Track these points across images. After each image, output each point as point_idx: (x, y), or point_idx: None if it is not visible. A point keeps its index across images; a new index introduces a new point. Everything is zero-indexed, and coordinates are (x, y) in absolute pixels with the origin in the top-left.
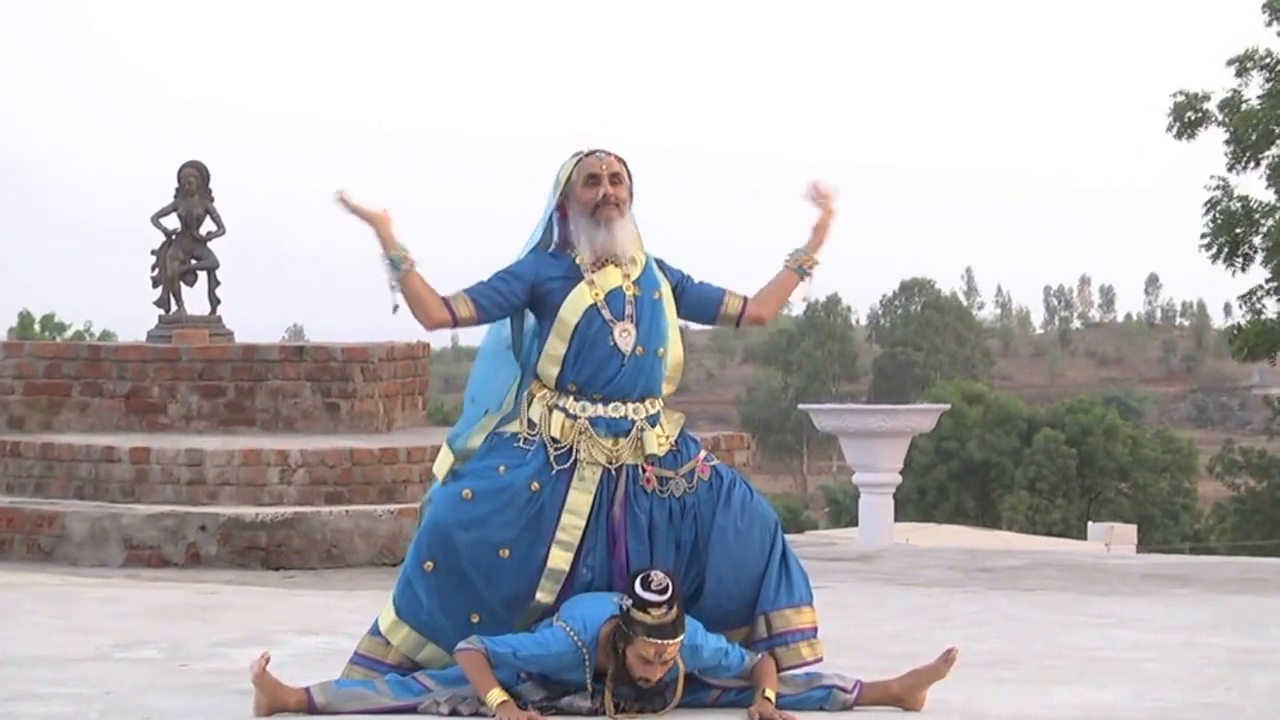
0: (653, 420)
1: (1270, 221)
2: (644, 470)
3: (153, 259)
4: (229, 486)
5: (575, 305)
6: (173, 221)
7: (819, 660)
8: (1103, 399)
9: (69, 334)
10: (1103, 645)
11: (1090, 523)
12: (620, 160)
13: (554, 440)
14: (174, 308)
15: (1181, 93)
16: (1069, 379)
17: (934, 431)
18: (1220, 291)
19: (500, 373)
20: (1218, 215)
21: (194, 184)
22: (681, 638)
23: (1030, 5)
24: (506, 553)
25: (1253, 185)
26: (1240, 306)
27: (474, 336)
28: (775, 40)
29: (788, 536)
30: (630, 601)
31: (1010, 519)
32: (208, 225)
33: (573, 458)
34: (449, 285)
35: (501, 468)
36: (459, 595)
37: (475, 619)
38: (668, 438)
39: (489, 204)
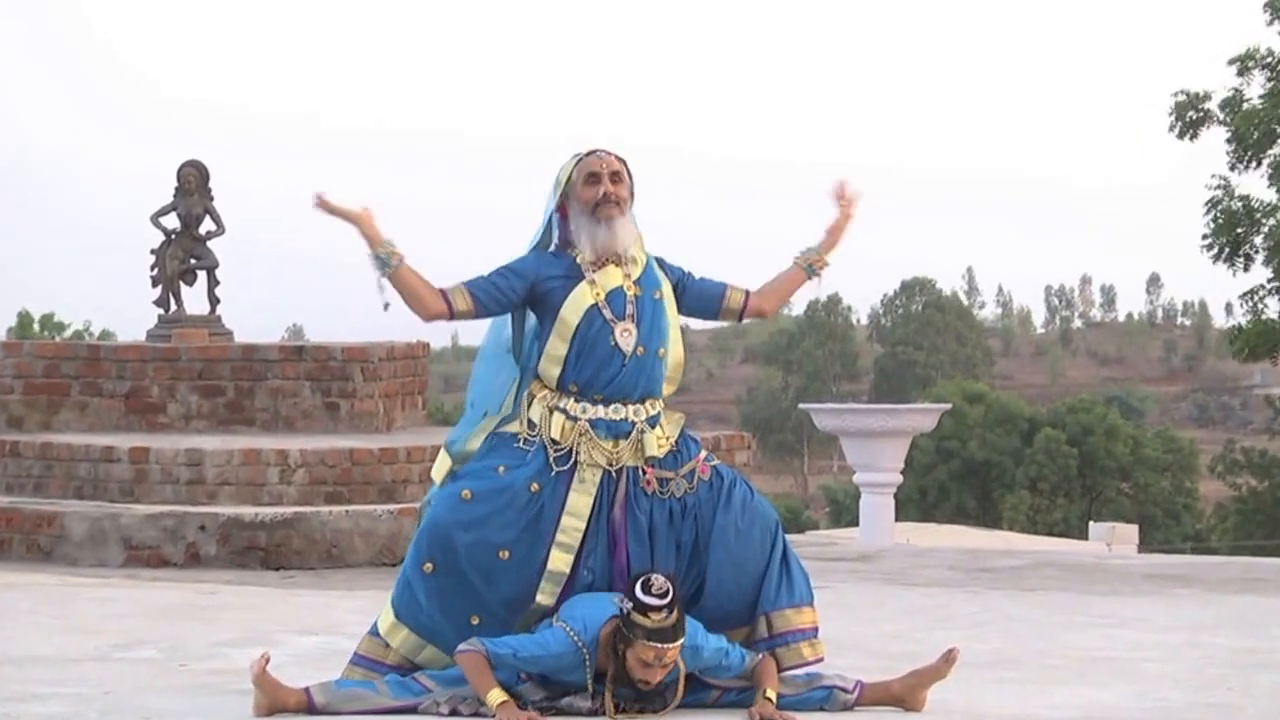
0: (653, 422)
1: (1272, 221)
2: (644, 472)
3: (152, 258)
4: (228, 486)
5: (576, 305)
6: (172, 221)
7: (820, 660)
8: (1104, 399)
9: (68, 333)
10: (1104, 645)
11: (1091, 523)
12: (620, 160)
13: (554, 442)
14: (173, 307)
15: (1183, 92)
16: (1070, 379)
17: (935, 431)
18: (1221, 291)
19: (500, 374)
20: (1219, 215)
21: (193, 183)
22: (681, 641)
23: (1032, 4)
24: (506, 554)
25: (1254, 185)
26: (1241, 306)
27: (474, 336)
28: (775, 39)
29: (788, 536)
30: (630, 605)
31: (1011, 519)
32: (207, 224)
33: (573, 459)
34: (448, 285)
35: (501, 468)
36: (458, 597)
37: (475, 621)
38: (668, 439)
39: (489, 204)
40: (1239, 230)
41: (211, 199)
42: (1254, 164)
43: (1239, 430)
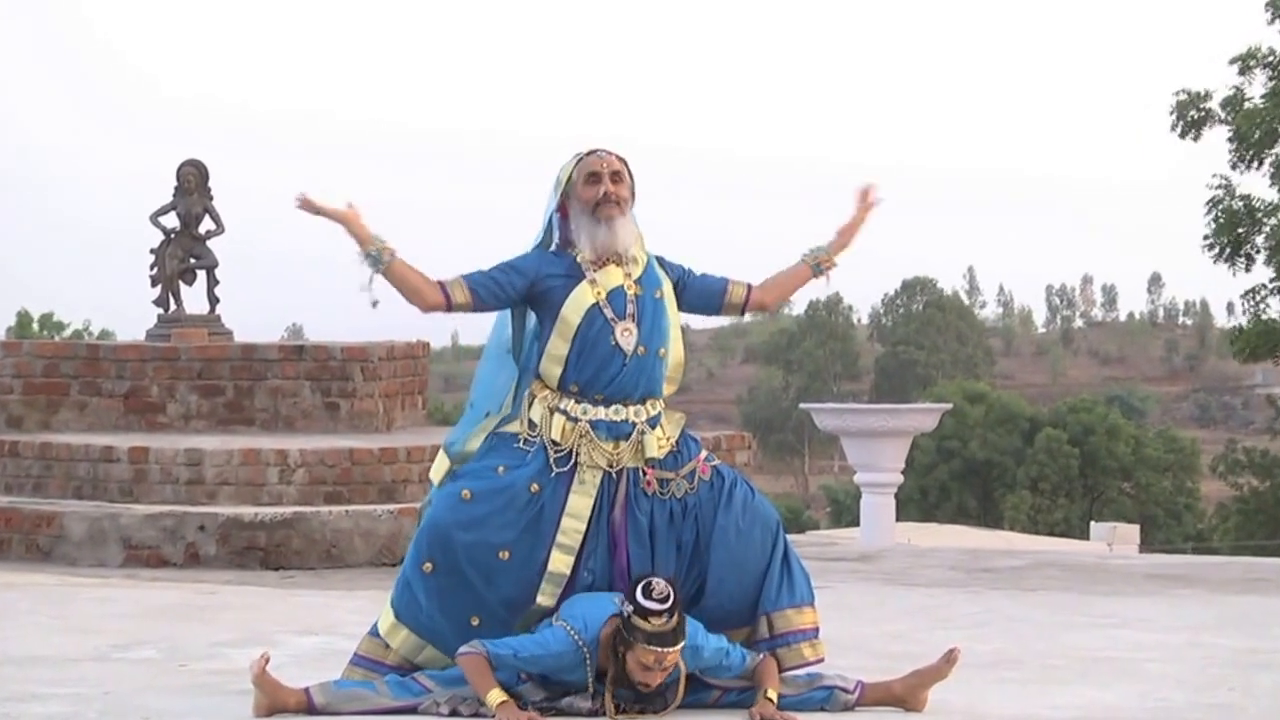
0: (653, 422)
1: (1273, 221)
2: (644, 473)
3: (151, 258)
4: (228, 486)
5: (577, 305)
6: (171, 220)
7: (820, 661)
8: (1105, 398)
9: (67, 333)
10: (1105, 645)
11: (1093, 522)
12: (621, 159)
13: (554, 443)
14: (173, 307)
15: (1184, 91)
16: (1071, 378)
17: (936, 431)
18: (1223, 290)
19: (500, 374)
20: (1220, 215)
21: (193, 182)
22: (682, 645)
23: (1032, 4)
24: (506, 554)
25: (1256, 184)
26: (1242, 305)
27: (475, 336)
28: (776, 38)
29: (789, 536)
30: (631, 608)
31: (1012, 519)
32: (206, 224)
33: (573, 460)
34: (447, 277)
35: (501, 468)
36: (458, 597)
37: (475, 621)
38: (668, 439)
39: (489, 204)
40: (1240, 230)
41: (211, 198)
42: (1255, 163)
43: (1240, 430)
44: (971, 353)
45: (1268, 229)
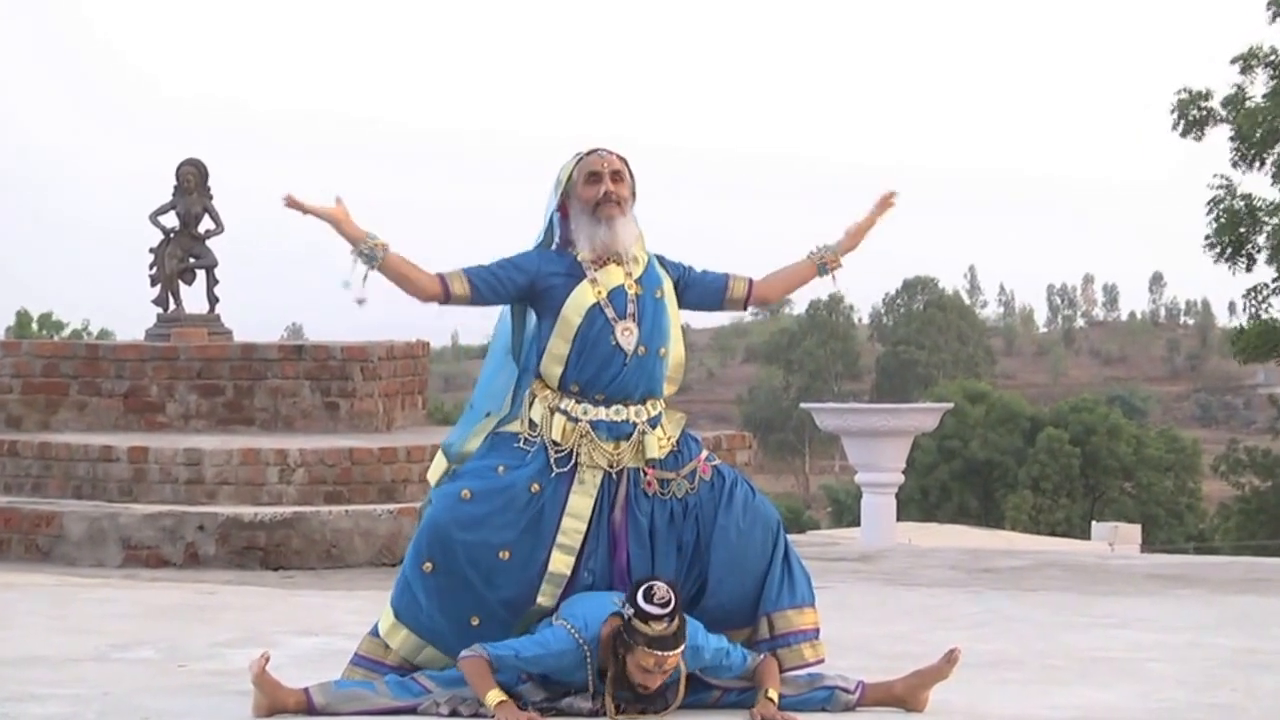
0: (654, 422)
1: (1275, 220)
2: (645, 474)
3: (151, 257)
4: (227, 486)
5: (578, 304)
6: (171, 219)
7: (821, 662)
8: (1106, 398)
9: (67, 332)
10: (1106, 646)
11: (1094, 522)
12: (622, 159)
13: (555, 443)
14: (172, 306)
15: (1185, 90)
16: (1072, 378)
17: (936, 431)
18: (1225, 290)
19: (500, 375)
20: (1221, 215)
21: (192, 182)
22: (682, 648)
23: (1032, 4)
24: (507, 554)
25: (1258, 183)
26: (1244, 305)
27: (474, 336)
28: (776, 39)
29: (790, 537)
30: (632, 611)
31: (1013, 519)
32: (206, 223)
33: (573, 460)
34: (447, 269)
35: (501, 468)
36: (458, 597)
37: (475, 622)
38: (669, 439)
39: (489, 204)
40: (1241, 230)
41: (210, 197)
42: (1257, 163)
43: (1242, 430)
44: (972, 352)
45: (1269, 229)
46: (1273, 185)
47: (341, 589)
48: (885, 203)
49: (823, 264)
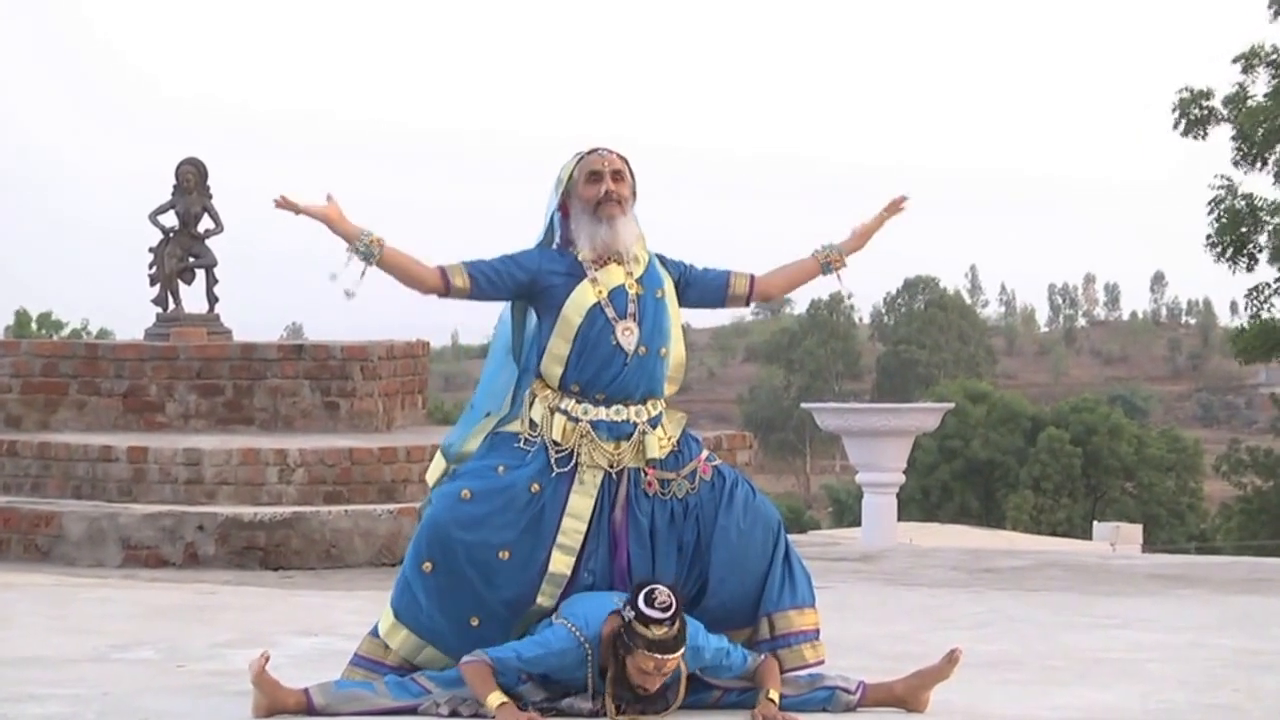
0: (654, 422)
1: (1276, 220)
2: (645, 474)
3: (150, 257)
4: (227, 486)
5: (579, 304)
6: (170, 219)
7: (821, 662)
8: (1108, 398)
9: (66, 332)
10: (1107, 646)
11: (1095, 522)
12: (622, 158)
13: (555, 443)
14: (172, 306)
15: (1186, 89)
16: (1073, 378)
17: (937, 431)
18: (1226, 289)
19: (500, 375)
20: (1222, 214)
21: (192, 181)
22: (682, 651)
23: (1033, 4)
24: (507, 554)
25: (1260, 183)
26: (1245, 304)
27: (474, 336)
28: (776, 38)
29: (790, 537)
30: (633, 614)
31: (1014, 519)
32: (205, 223)
33: (573, 460)
34: (448, 262)
35: (501, 468)
36: (458, 597)
37: (475, 622)
38: (670, 439)
39: (489, 204)
40: (1243, 229)
41: (210, 197)
42: (1258, 163)
43: (1244, 429)
44: (973, 352)
45: (1270, 228)
46: (1274, 185)
47: (341, 589)
48: (895, 206)
49: (827, 263)
